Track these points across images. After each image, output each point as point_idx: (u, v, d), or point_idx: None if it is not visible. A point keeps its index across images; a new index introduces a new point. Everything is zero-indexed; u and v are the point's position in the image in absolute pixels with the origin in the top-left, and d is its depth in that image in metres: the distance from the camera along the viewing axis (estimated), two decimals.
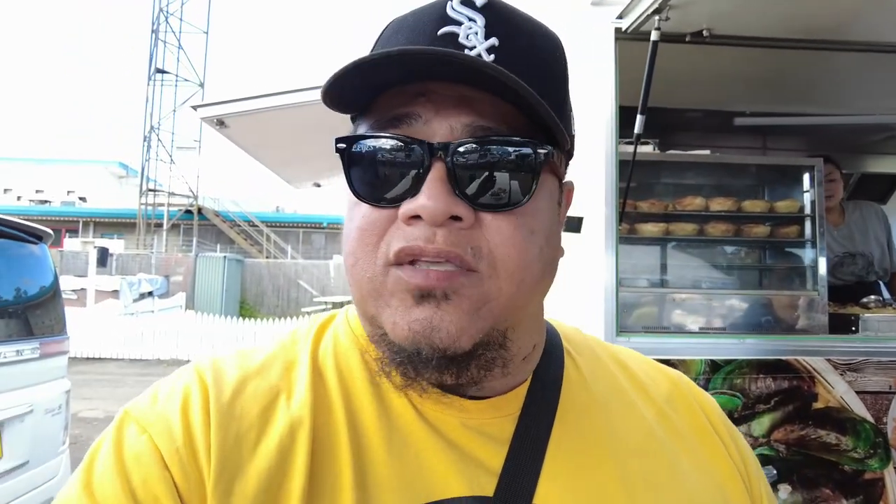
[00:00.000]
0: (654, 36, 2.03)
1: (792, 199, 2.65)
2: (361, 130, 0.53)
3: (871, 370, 2.22)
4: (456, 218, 0.47)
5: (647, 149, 2.66)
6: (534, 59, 0.52)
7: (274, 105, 2.87)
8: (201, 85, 23.01)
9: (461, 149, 0.48)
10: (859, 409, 2.19)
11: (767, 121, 3.51)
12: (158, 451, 0.47)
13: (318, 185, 4.51)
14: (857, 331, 2.42)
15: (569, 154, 0.57)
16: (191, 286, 17.50)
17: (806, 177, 2.63)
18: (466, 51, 0.49)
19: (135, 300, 14.16)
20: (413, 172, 0.48)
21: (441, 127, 0.49)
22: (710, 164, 2.61)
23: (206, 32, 23.44)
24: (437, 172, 0.47)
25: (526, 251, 0.49)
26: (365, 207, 0.50)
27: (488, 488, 0.51)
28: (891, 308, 2.73)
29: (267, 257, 21.39)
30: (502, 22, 0.51)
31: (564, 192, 0.59)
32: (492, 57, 0.49)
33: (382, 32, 0.56)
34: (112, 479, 0.46)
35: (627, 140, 2.25)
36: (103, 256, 14.87)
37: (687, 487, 0.57)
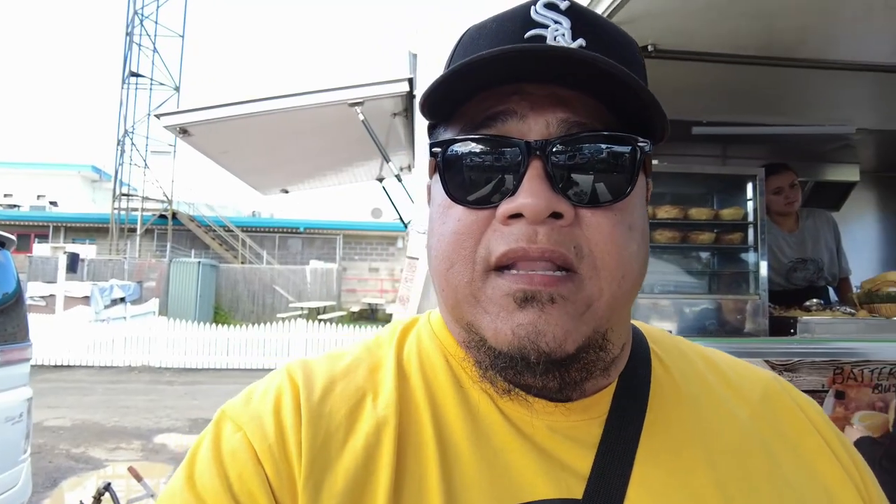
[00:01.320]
0: None
1: (737, 206, 2.77)
2: (450, 135, 0.53)
3: (805, 370, 2.32)
4: (556, 216, 0.47)
5: None
6: (622, 58, 0.51)
7: (237, 114, 2.90)
8: (176, 89, 22.78)
9: (559, 146, 0.48)
10: None
11: (725, 130, 3.64)
12: (252, 447, 0.49)
13: (286, 191, 4.54)
14: (795, 333, 2.53)
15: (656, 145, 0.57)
16: (164, 292, 17.27)
17: (749, 185, 2.74)
18: None
19: (106, 306, 13.93)
20: (511, 171, 0.48)
21: (537, 123, 0.49)
22: (662, 174, 2.71)
23: (182, 36, 23.24)
24: (535, 170, 0.47)
25: (625, 248, 0.49)
26: (460, 210, 0.50)
27: (576, 491, 0.50)
28: (829, 311, 2.86)
29: (242, 262, 21.19)
30: (587, 23, 0.52)
31: (648, 189, 0.58)
32: None
33: (460, 40, 0.56)
34: (211, 473, 0.48)
35: None
36: (74, 262, 14.61)
37: (790, 490, 0.54)
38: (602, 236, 0.48)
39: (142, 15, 22.29)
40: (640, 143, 0.50)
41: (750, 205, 2.72)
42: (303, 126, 3.28)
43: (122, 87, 22.09)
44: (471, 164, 0.50)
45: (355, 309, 20.21)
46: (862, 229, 4.83)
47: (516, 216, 0.47)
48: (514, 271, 0.48)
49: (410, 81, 2.88)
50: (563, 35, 0.50)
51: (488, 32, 0.53)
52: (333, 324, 13.39)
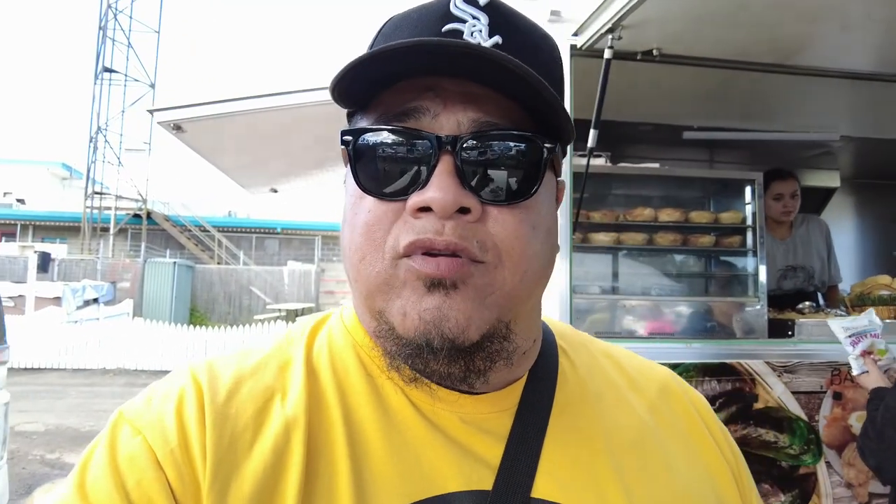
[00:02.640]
0: (607, 54, 2.13)
1: (735, 210, 2.80)
2: (364, 124, 0.53)
3: (804, 371, 2.36)
4: (463, 210, 0.48)
5: (599, 161, 2.76)
6: (535, 58, 0.52)
7: (232, 111, 2.84)
8: (152, 86, 22.32)
9: (469, 143, 0.49)
10: (794, 408, 2.34)
11: (714, 135, 3.69)
12: (153, 452, 0.47)
13: (275, 191, 4.47)
14: (792, 335, 2.58)
15: (564, 152, 0.58)
16: (139, 293, 16.90)
17: (748, 189, 2.77)
18: None
19: (78, 307, 13.57)
20: (422, 165, 0.49)
21: (448, 121, 0.49)
22: (660, 177, 2.73)
23: (158, 32, 22.80)
24: (445, 165, 0.48)
25: (529, 244, 0.51)
26: (370, 201, 0.51)
27: (486, 482, 0.51)
28: (823, 313, 2.92)
29: (218, 263, 20.85)
30: (505, 21, 0.52)
31: (559, 188, 0.60)
32: None
33: (381, 29, 0.56)
34: (106, 480, 0.46)
35: (581, 153, 2.34)
36: (45, 262, 14.22)
37: (680, 480, 0.58)
38: (507, 232, 0.49)
39: (115, 9, 21.80)
40: (546, 144, 0.51)
41: (748, 208, 2.75)
42: (296, 124, 3.23)
43: (95, 83, 21.59)
44: (382, 155, 0.50)
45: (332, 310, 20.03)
46: (841, 234, 4.94)
47: (425, 209, 0.48)
48: (423, 256, 0.48)
49: None
50: (481, 31, 0.51)
51: (408, 23, 0.53)
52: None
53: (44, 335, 11.89)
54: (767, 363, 2.31)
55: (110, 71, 21.58)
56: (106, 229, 20.65)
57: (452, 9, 0.52)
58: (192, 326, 13.20)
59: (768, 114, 3.42)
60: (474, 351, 0.50)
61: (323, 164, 4.07)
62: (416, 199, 0.48)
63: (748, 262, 2.78)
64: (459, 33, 0.51)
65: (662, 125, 3.39)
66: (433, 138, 0.48)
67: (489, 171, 0.49)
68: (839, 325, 2.18)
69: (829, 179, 4.81)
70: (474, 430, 0.54)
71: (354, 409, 0.53)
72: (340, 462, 0.49)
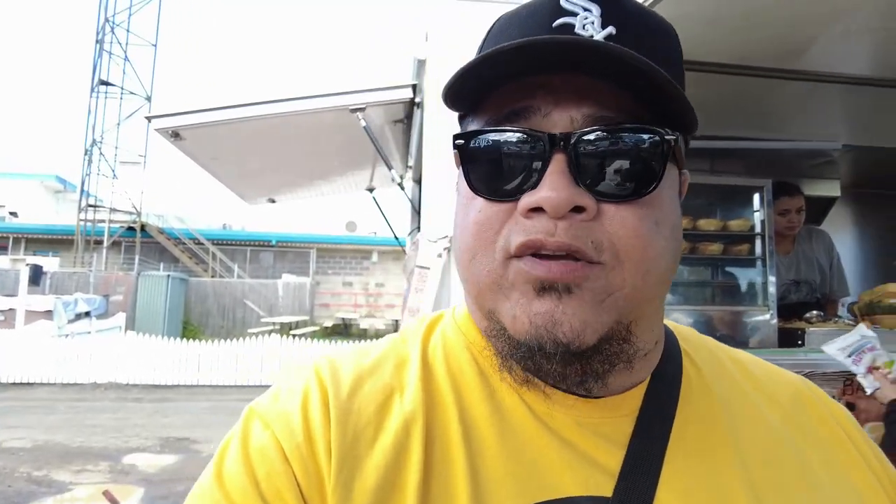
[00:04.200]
0: None
1: (744, 218, 2.76)
2: (475, 126, 0.53)
3: (817, 381, 2.29)
4: (578, 210, 0.46)
5: None
6: (652, 46, 0.50)
7: (232, 118, 2.79)
8: (148, 98, 22.30)
9: (582, 139, 0.47)
10: None
11: (714, 144, 3.67)
12: (280, 446, 0.49)
13: (273, 201, 4.41)
14: (802, 344, 2.53)
15: (687, 143, 0.55)
16: (132, 306, 16.75)
17: (756, 197, 2.74)
18: None
19: (70, 321, 13.41)
20: (533, 165, 0.48)
21: (561, 118, 0.48)
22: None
23: (155, 45, 22.84)
24: (557, 164, 0.47)
25: (651, 243, 0.48)
26: (481, 202, 0.50)
27: (605, 489, 0.49)
28: (831, 322, 2.87)
29: (213, 276, 20.72)
30: (618, 10, 0.50)
31: (682, 181, 0.57)
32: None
33: (491, 29, 0.56)
34: (239, 470, 0.48)
35: None
36: (36, 275, 14.08)
37: (822, 497, 0.53)
38: (626, 230, 0.47)
39: (113, 23, 21.84)
40: (667, 136, 0.48)
41: (757, 216, 2.72)
42: (298, 132, 3.19)
43: (91, 96, 21.55)
44: (493, 156, 0.50)
45: (328, 324, 19.92)
46: (841, 244, 4.92)
47: (537, 210, 0.47)
48: (533, 258, 0.47)
49: (414, 88, 2.81)
50: (593, 23, 0.49)
51: (517, 21, 0.52)
52: (308, 339, 13.12)
53: (34, 349, 11.74)
54: None
55: (107, 84, 21.56)
56: (99, 242, 20.49)
57: (563, 2, 0.50)
58: (186, 340, 13.06)
59: (770, 122, 3.40)
60: (591, 354, 0.49)
61: (326, 174, 4.03)
62: (527, 199, 0.47)
63: (757, 271, 2.74)
64: (571, 27, 0.49)
65: None
66: (545, 136, 0.47)
67: (605, 167, 0.48)
68: (835, 347, 2.14)
69: (829, 189, 4.80)
70: (591, 434, 0.52)
71: (469, 408, 0.52)
72: (457, 460, 0.49)
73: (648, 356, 0.55)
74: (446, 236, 2.19)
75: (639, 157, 0.48)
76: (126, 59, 22.01)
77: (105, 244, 20.33)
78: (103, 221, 20.91)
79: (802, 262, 3.28)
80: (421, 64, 2.72)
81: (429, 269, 2.12)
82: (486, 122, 0.51)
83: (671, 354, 0.59)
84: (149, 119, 2.69)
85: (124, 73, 21.98)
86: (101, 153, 21.34)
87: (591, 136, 0.47)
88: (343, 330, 19.82)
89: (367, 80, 3.01)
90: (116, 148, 21.75)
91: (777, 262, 3.11)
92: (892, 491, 0.57)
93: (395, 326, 19.58)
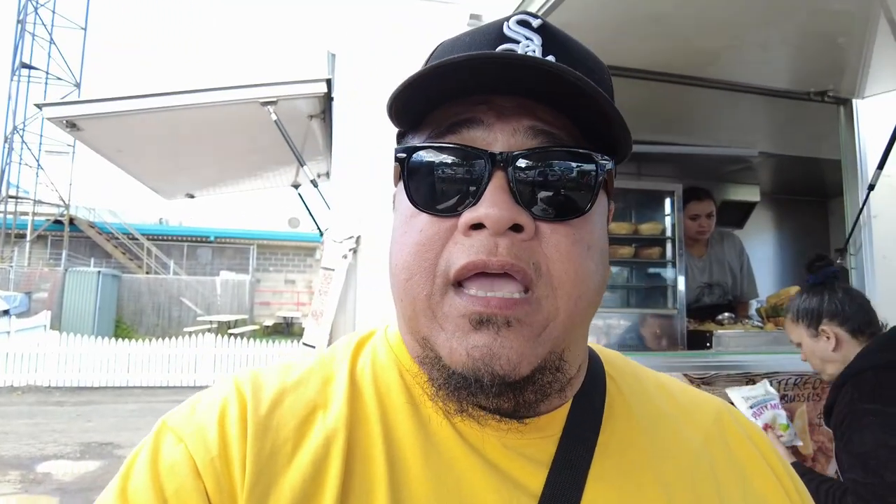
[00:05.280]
0: None
1: (655, 221, 2.81)
2: (416, 142, 0.53)
3: (721, 383, 2.38)
4: (517, 228, 0.47)
5: None
6: (589, 75, 0.50)
7: (133, 108, 2.63)
8: (77, 85, 21.16)
9: (522, 159, 0.48)
10: None
11: (640, 148, 3.74)
12: (193, 460, 0.47)
13: (192, 196, 4.22)
14: (710, 346, 2.60)
15: (615, 170, 0.56)
16: (58, 304, 15.86)
17: (668, 201, 2.79)
18: None
19: None
20: (474, 182, 0.48)
21: (503, 131, 0.49)
22: None
23: (84, 28, 21.66)
24: (498, 181, 0.48)
25: (583, 266, 0.49)
26: (423, 218, 0.50)
27: None
28: (741, 324, 2.97)
29: (147, 272, 19.87)
30: (558, 43, 0.52)
31: (610, 210, 0.59)
32: None
33: (433, 53, 0.57)
34: (147, 487, 0.46)
35: None
36: None
37: None
38: (560, 254, 0.48)
39: (36, 2, 20.58)
40: (602, 161, 0.50)
41: (668, 220, 2.77)
42: (210, 126, 3.05)
43: (12, 80, 20.24)
44: (434, 172, 0.50)
45: (269, 323, 19.46)
46: (760, 247, 5.13)
47: (478, 227, 0.47)
48: (471, 291, 0.48)
49: (328, 82, 2.73)
50: (534, 51, 0.51)
51: (461, 45, 0.54)
52: (245, 339, 12.75)
53: None
54: (686, 375, 2.31)
55: (29, 67, 20.30)
56: (21, 236, 19.30)
57: (506, 30, 0.52)
58: (117, 339, 12.45)
59: (690, 128, 3.48)
60: (525, 385, 0.49)
61: (248, 170, 3.88)
62: (468, 215, 0.48)
63: (667, 274, 2.79)
64: (514, 53, 0.50)
65: None
66: (486, 154, 0.48)
67: (543, 188, 0.49)
68: (739, 395, 2.16)
69: (749, 194, 4.99)
70: (516, 455, 0.52)
71: (395, 428, 0.52)
72: (378, 479, 0.49)
73: (573, 379, 0.56)
74: (352, 236, 2.12)
75: (576, 179, 0.49)
76: (51, 41, 20.78)
77: (28, 238, 19.15)
78: (26, 214, 19.69)
79: (715, 265, 3.38)
80: (333, 58, 2.63)
81: (333, 270, 2.05)
82: (428, 136, 0.52)
83: (595, 376, 0.60)
84: (39, 107, 2.49)
85: (49, 56, 20.75)
86: (23, 141, 20.09)
87: (531, 157, 0.48)
88: (285, 329, 19.39)
89: (283, 75, 2.90)
90: (41, 136, 20.54)
91: (691, 266, 3.20)
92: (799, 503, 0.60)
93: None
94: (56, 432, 7.93)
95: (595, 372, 0.61)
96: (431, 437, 0.52)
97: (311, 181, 2.80)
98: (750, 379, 2.42)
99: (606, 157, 0.50)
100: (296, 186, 4.31)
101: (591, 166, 0.50)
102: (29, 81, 20.41)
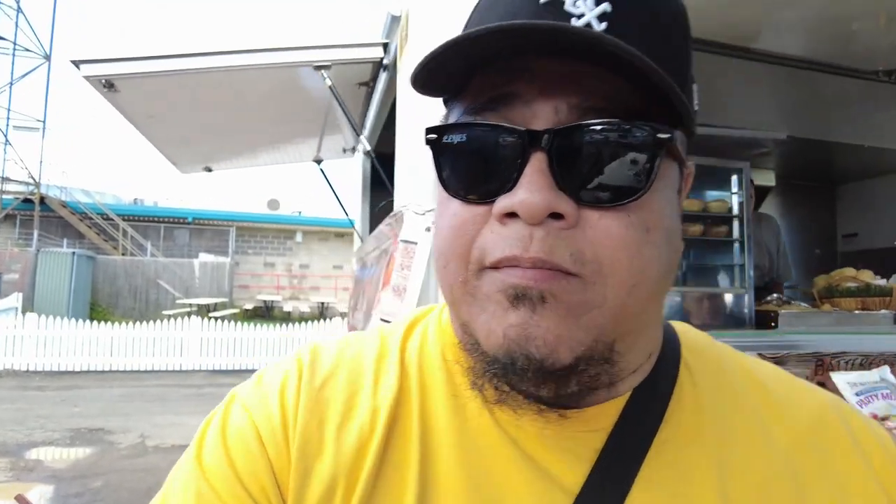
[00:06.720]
0: None
1: (722, 199, 2.76)
2: (454, 116, 0.49)
3: (793, 363, 2.35)
4: (557, 216, 0.42)
5: None
6: (652, 25, 0.45)
7: (177, 68, 2.45)
8: (47, 58, 20.30)
9: (565, 136, 0.42)
10: None
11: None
12: (257, 429, 0.50)
13: (210, 170, 4.01)
14: (776, 326, 2.57)
15: (691, 133, 0.49)
16: (30, 286, 15.32)
17: (734, 178, 2.75)
18: (574, 20, 0.43)
19: None
20: (511, 164, 0.44)
21: (544, 109, 0.44)
22: None
23: None
24: (536, 163, 0.43)
25: (640, 254, 0.43)
26: (456, 204, 0.46)
27: None
28: (788, 304, 2.95)
29: (123, 254, 19.32)
30: None
31: (685, 176, 0.51)
32: (604, 25, 0.42)
33: (477, 4, 0.50)
34: (217, 451, 0.49)
35: None
36: None
37: None
38: (610, 241, 0.43)
39: None
40: (661, 135, 0.43)
41: (735, 198, 2.72)
42: (251, 89, 2.88)
43: None
44: (467, 154, 0.46)
45: (249, 306, 19.15)
46: None
47: (513, 214, 0.43)
48: (509, 267, 0.44)
49: (385, 47, 2.58)
50: (585, 1, 0.44)
51: (502, 2, 0.47)
52: (230, 322, 12.48)
53: None
54: (760, 354, 2.27)
55: None
56: None
57: None
58: (94, 322, 12.07)
59: (714, 106, 3.42)
60: (567, 375, 0.44)
61: (272, 141, 3.70)
62: (502, 202, 0.43)
63: (735, 252, 2.75)
64: (561, 3, 0.43)
65: None
66: (524, 133, 0.43)
67: (589, 169, 0.43)
68: (844, 379, 2.02)
69: (765, 178, 5.00)
70: (555, 447, 0.49)
71: (431, 411, 0.51)
72: (411, 463, 0.49)
73: (637, 372, 0.51)
74: (433, 209, 2.00)
75: (627, 157, 0.43)
76: (19, 10, 19.83)
77: None
78: None
79: (753, 247, 3.36)
80: (395, 21, 2.48)
81: (416, 244, 1.93)
82: (464, 112, 0.47)
83: (666, 364, 0.54)
84: (77, 64, 2.30)
85: (16, 26, 19.82)
86: None
87: (575, 134, 0.43)
88: (265, 312, 19.10)
89: (333, 37, 2.74)
90: (8, 110, 19.69)
91: None
92: None
93: (321, 309, 19.14)
94: (42, 418, 7.64)
95: (667, 358, 0.54)
96: (467, 423, 0.50)
97: (367, 152, 2.66)
98: (819, 360, 2.40)
99: (665, 130, 0.43)
100: (318, 161, 4.14)
101: (647, 141, 0.43)
102: None
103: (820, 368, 2.45)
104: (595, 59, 0.42)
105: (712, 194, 2.85)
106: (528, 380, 0.44)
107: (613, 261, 0.43)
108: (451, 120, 0.49)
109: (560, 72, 0.43)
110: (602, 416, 0.50)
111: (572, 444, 0.49)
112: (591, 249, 0.43)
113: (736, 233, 2.73)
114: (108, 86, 2.40)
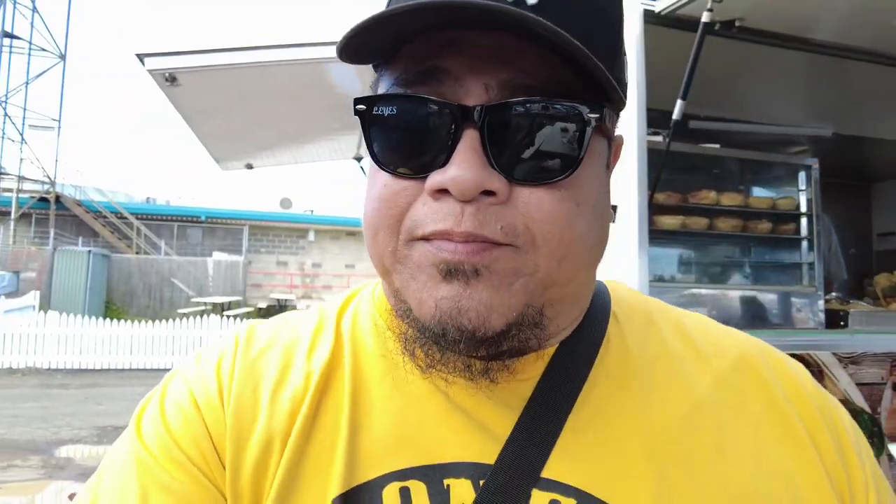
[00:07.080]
0: (705, 17, 1.94)
1: (790, 196, 2.71)
2: (385, 85, 0.48)
3: (867, 363, 2.30)
4: (488, 192, 0.43)
5: (657, 139, 2.57)
6: (580, 8, 0.45)
7: (238, 62, 2.42)
8: (62, 57, 20.38)
9: (495, 112, 0.43)
10: (859, 400, 2.27)
11: (714, 125, 3.61)
12: (194, 398, 0.52)
13: (251, 167, 4.00)
14: (846, 325, 2.52)
15: (619, 108, 0.50)
16: (47, 284, 15.38)
17: (802, 175, 2.69)
18: None
19: None
20: (443, 140, 0.43)
21: (474, 85, 0.44)
22: (717, 158, 2.58)
23: None
24: (468, 140, 0.43)
25: (570, 227, 0.45)
26: (386, 176, 0.46)
27: (491, 455, 0.48)
28: (848, 303, 2.90)
29: (137, 252, 19.38)
30: None
31: (613, 148, 0.53)
32: (534, 0, 0.42)
33: None
34: (156, 422, 0.51)
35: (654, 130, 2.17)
36: None
37: (737, 472, 0.49)
38: (542, 215, 0.44)
39: None
40: (590, 114, 0.44)
41: (803, 196, 2.67)
42: (295, 85, 2.84)
43: None
44: (398, 127, 0.46)
45: (262, 305, 19.17)
46: None
47: (445, 190, 0.43)
48: (440, 240, 0.44)
49: None
50: None
51: None
52: (245, 320, 12.47)
53: None
54: (834, 354, 2.22)
55: (11, 37, 19.46)
56: (6, 213, 18.61)
57: None
58: (110, 321, 12.09)
59: (762, 103, 3.35)
60: (499, 340, 0.45)
61: (317, 136, 3.67)
62: (434, 178, 0.44)
63: (804, 250, 2.70)
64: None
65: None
66: (456, 109, 0.43)
67: (520, 147, 0.43)
68: None
69: None
70: (484, 398, 0.50)
71: (363, 372, 0.53)
72: (342, 417, 0.50)
73: (566, 329, 0.53)
74: None
75: (558, 135, 0.44)
76: (34, 10, 19.92)
77: (13, 216, 18.47)
78: (10, 191, 18.99)
79: None
80: None
81: None
82: (396, 81, 0.46)
83: (594, 318, 0.56)
84: (141, 58, 2.28)
85: (32, 25, 19.91)
86: (6, 115, 19.32)
87: (506, 111, 0.43)
88: (278, 311, 18.94)
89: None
90: (24, 109, 19.78)
91: None
92: (838, 465, 0.51)
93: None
94: (67, 416, 7.66)
95: (596, 312, 0.56)
96: (398, 380, 0.52)
97: None
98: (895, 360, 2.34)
99: (597, 106, 0.44)
100: (358, 159, 4.11)
101: (577, 119, 0.44)
102: (11, 52, 19.57)
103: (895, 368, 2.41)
104: (525, 34, 0.41)
105: (769, 191, 2.80)
106: (459, 350, 0.46)
107: (545, 233, 0.44)
108: (382, 90, 0.49)
109: (490, 45, 0.43)
110: (530, 366, 0.51)
111: (502, 395, 0.50)
112: (522, 223, 0.44)
113: (805, 230, 2.67)
114: (170, 80, 2.38)
